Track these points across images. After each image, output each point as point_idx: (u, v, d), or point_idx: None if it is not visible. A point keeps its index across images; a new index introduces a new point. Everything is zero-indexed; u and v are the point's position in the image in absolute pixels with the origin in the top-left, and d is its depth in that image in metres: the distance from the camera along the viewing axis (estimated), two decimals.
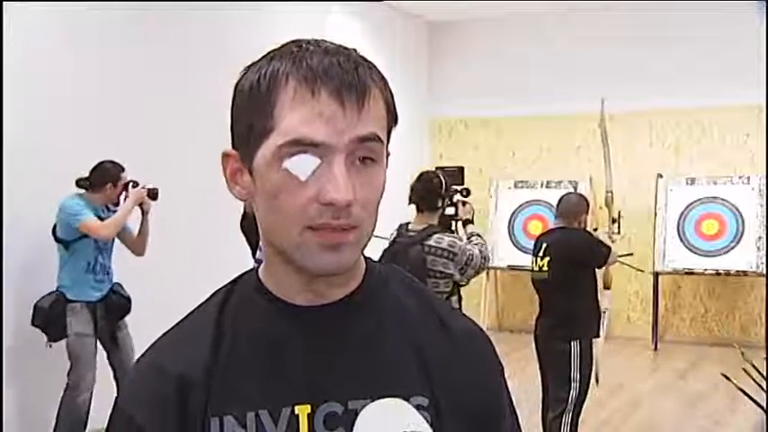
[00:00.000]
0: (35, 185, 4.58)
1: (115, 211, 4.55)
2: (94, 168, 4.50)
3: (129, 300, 4.62)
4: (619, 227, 4.82)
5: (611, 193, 5.05)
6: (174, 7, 5.62)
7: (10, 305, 4.55)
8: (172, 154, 5.56)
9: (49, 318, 4.36)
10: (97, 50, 5.14)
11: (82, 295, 4.43)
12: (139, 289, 4.68)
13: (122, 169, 4.58)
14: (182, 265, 5.52)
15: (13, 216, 4.51)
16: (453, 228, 4.43)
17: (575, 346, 4.18)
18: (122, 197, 4.58)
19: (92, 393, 4.45)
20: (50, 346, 4.39)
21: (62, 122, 4.84)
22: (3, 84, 4.41)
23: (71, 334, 4.39)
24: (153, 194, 4.66)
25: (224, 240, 5.09)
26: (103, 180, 4.50)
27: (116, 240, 4.62)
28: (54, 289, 4.42)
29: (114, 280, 4.60)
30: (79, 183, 4.50)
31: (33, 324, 4.38)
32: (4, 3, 4.40)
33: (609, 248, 4.41)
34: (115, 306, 4.57)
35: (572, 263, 4.26)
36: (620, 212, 4.85)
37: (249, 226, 4.49)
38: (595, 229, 4.57)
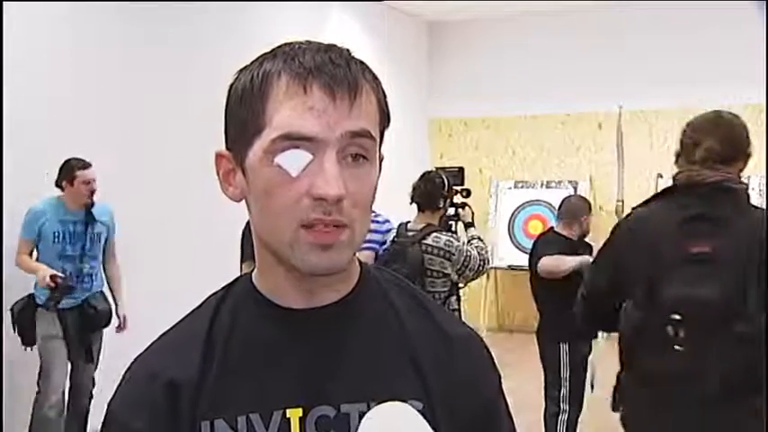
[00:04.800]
0: (33, 185, 4.57)
1: (86, 215, 4.39)
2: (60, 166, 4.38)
3: (105, 313, 4.46)
4: None
5: (622, 202, 4.97)
6: (175, 7, 5.62)
7: None
8: (170, 154, 5.56)
9: (20, 322, 4.28)
10: (97, 50, 5.14)
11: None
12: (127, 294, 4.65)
13: (83, 166, 4.36)
14: (174, 268, 5.51)
15: (11, 215, 4.50)
16: (454, 228, 4.43)
17: (563, 348, 4.22)
18: (91, 197, 4.36)
19: (64, 397, 4.35)
20: (28, 350, 4.30)
21: (62, 122, 4.84)
22: (3, 84, 4.41)
23: (39, 338, 4.29)
24: (61, 286, 4.25)
25: (222, 243, 5.09)
26: (60, 179, 4.36)
27: (100, 247, 4.50)
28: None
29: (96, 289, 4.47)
30: (56, 183, 4.39)
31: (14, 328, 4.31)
32: (4, 3, 4.40)
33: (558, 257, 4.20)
34: (87, 318, 4.40)
35: (533, 263, 4.37)
36: None
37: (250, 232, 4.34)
38: (582, 238, 4.45)
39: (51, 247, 4.34)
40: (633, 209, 2.52)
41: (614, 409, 2.46)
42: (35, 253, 4.37)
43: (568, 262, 4.15)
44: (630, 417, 2.40)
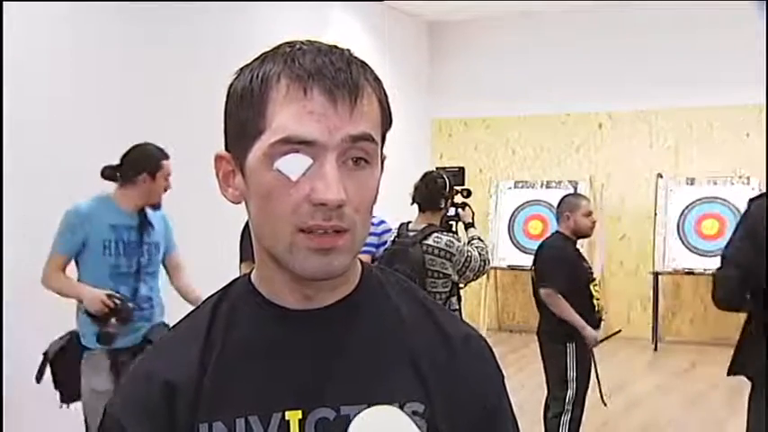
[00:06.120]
0: (33, 185, 4.56)
1: (140, 218, 3.40)
2: (127, 153, 3.36)
3: None
4: (600, 320, 4.58)
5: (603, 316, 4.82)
6: (175, 7, 5.62)
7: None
8: (170, 154, 5.54)
9: (60, 369, 3.23)
10: (97, 50, 5.14)
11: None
12: None
13: (165, 156, 3.42)
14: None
15: (12, 221, 4.47)
16: (454, 229, 4.43)
17: (570, 348, 4.20)
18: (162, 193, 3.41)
19: None
20: (65, 407, 3.32)
21: (62, 122, 4.83)
22: (3, 84, 4.41)
23: (86, 390, 3.24)
24: (122, 310, 3.21)
25: (222, 244, 5.08)
26: (137, 168, 3.33)
27: (158, 262, 3.48)
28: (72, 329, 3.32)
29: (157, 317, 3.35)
30: (105, 173, 3.35)
31: (39, 379, 3.26)
32: (4, 3, 4.40)
33: (561, 277, 4.20)
34: None
35: (536, 271, 4.37)
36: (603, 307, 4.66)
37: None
38: (575, 242, 4.45)
39: (100, 260, 3.29)
40: (751, 200, 2.86)
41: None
42: (73, 271, 3.37)
43: (568, 314, 4.14)
44: None
